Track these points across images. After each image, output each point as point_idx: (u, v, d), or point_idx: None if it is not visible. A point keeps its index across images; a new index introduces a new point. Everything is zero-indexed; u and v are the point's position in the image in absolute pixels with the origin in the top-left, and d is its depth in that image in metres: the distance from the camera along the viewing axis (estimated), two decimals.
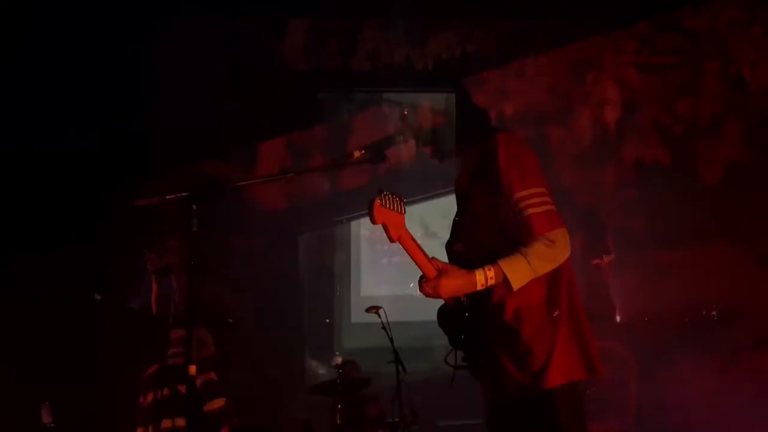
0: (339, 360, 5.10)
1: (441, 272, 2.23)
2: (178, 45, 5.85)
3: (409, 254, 2.23)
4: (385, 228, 2.17)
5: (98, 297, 6.71)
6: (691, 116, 5.52)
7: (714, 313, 5.13)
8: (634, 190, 5.62)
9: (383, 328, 4.94)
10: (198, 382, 4.22)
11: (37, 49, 5.59)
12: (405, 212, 2.19)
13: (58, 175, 6.38)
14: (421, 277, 2.25)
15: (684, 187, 5.35)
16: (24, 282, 6.20)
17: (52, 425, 4.33)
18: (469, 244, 2.40)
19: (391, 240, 2.19)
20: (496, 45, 6.08)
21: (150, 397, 4.31)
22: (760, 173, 5.22)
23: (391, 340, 4.91)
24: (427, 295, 2.25)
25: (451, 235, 2.53)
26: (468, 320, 2.31)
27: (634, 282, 5.49)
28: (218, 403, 4.27)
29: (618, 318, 5.56)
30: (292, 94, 5.95)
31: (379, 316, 4.96)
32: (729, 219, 5.14)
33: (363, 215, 6.91)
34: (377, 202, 2.14)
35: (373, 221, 2.15)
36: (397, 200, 2.18)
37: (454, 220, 2.54)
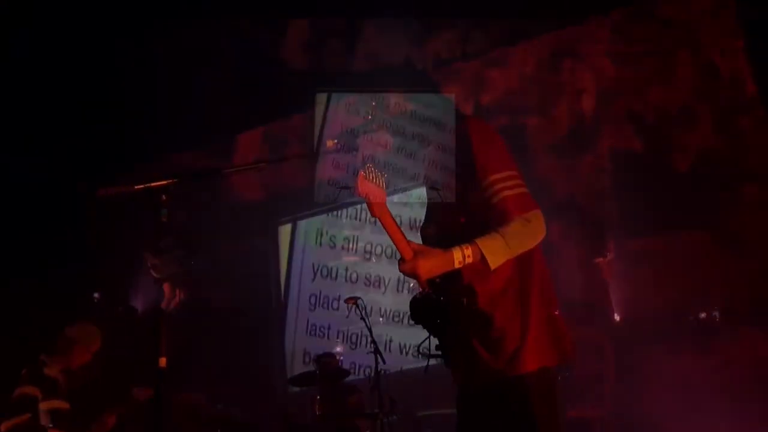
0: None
1: (417, 253, 2.24)
2: (178, 44, 5.83)
3: (388, 232, 2.24)
4: (367, 201, 2.21)
5: (97, 296, 6.68)
6: (664, 104, 5.57)
7: (710, 315, 5.19)
8: (609, 179, 5.66)
9: (362, 318, 4.93)
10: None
11: (28, 47, 5.60)
12: (386, 189, 2.23)
13: (49, 173, 6.34)
14: (401, 259, 2.26)
15: (656, 174, 5.40)
16: (22, 282, 6.14)
17: (51, 425, 4.29)
18: (442, 228, 2.41)
19: (373, 214, 2.22)
20: (495, 44, 6.11)
21: None
22: (730, 160, 5.29)
23: (370, 330, 4.90)
24: (405, 274, 2.26)
25: (425, 219, 2.55)
26: (441, 306, 2.30)
27: (610, 269, 5.53)
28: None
29: (595, 307, 5.60)
30: (291, 93, 5.96)
31: (358, 306, 4.95)
32: (701, 206, 5.20)
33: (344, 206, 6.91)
34: (361, 174, 2.19)
35: (357, 193, 2.19)
36: (380, 176, 2.22)
37: (427, 205, 2.55)
